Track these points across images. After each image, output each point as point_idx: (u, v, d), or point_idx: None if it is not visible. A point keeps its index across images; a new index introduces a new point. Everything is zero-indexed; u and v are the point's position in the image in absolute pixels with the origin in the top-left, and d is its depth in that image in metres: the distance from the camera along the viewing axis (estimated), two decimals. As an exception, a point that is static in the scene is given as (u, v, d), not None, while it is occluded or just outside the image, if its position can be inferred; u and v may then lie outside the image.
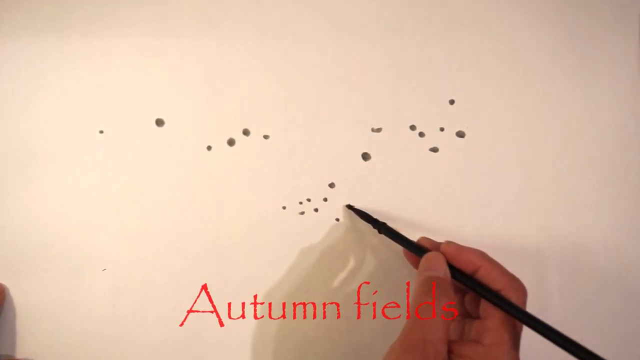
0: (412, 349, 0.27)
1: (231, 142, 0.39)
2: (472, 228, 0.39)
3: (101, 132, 0.39)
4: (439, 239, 0.39)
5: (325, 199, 0.39)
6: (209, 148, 0.39)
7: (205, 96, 0.39)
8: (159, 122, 0.39)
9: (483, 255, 0.30)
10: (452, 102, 0.40)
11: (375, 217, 0.37)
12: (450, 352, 0.29)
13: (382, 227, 0.36)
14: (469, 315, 0.33)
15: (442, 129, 0.40)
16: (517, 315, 0.28)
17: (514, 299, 0.28)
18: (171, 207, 0.39)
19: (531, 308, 0.29)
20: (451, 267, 0.31)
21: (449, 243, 0.32)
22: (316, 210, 0.39)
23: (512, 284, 0.29)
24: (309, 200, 0.39)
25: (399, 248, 0.35)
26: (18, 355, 0.38)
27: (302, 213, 0.39)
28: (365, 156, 0.40)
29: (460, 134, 0.40)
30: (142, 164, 0.39)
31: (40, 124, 0.39)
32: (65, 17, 0.39)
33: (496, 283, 0.29)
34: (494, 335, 0.28)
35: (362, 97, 0.40)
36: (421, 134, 0.40)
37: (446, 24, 0.40)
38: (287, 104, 0.40)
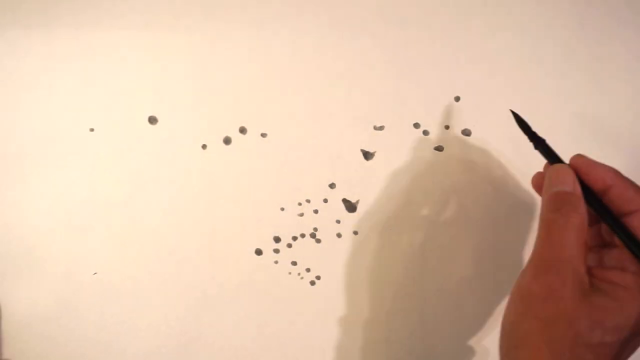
0: (546, 270, 0.26)
1: (227, 141, 0.38)
2: (478, 230, 0.38)
3: (91, 130, 0.38)
4: (444, 240, 0.38)
5: (325, 200, 0.38)
6: (204, 147, 0.38)
7: (200, 92, 0.38)
8: (152, 120, 0.38)
9: (616, 173, 0.28)
10: (457, 98, 0.39)
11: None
12: (592, 276, 0.27)
13: (539, 144, 0.32)
14: (607, 245, 0.30)
15: (447, 127, 0.39)
16: (631, 248, 0.26)
17: None
18: (164, 209, 0.38)
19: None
20: (581, 184, 0.28)
21: (579, 156, 0.29)
22: (316, 211, 0.38)
23: None
24: (308, 201, 0.38)
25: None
26: (5, 362, 0.37)
27: (301, 215, 0.38)
28: (367, 155, 0.39)
29: (467, 132, 0.39)
30: (135, 163, 0.38)
31: (27, 121, 0.38)
32: (52, 9, 0.38)
33: (630, 203, 0.27)
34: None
35: (364, 94, 0.39)
36: (425, 132, 0.39)
37: (452, 16, 0.39)
38: (285, 101, 0.39)
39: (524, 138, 0.38)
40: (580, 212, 0.27)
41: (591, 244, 0.30)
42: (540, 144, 0.31)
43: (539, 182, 0.31)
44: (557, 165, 0.29)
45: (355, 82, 0.39)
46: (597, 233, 0.30)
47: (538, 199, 0.31)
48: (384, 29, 0.39)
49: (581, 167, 0.29)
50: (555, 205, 0.28)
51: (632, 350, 0.27)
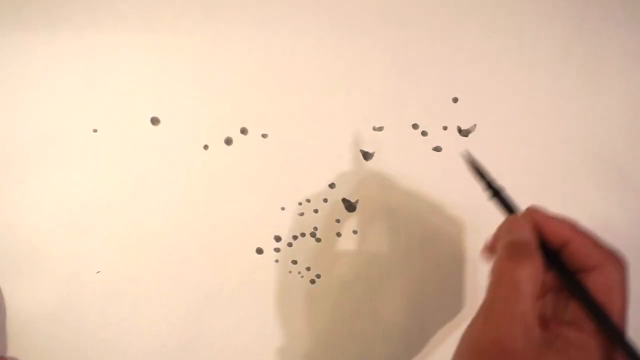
0: (497, 325, 0.25)
1: (228, 141, 0.38)
2: (476, 231, 0.39)
3: (95, 130, 0.38)
4: (442, 240, 0.38)
5: (325, 200, 0.39)
6: (205, 147, 0.38)
7: (201, 93, 0.38)
8: (154, 121, 0.38)
9: (574, 227, 0.26)
10: (455, 100, 0.39)
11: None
12: (549, 330, 0.25)
13: (496, 194, 0.29)
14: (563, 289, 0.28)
15: (445, 128, 0.39)
16: (593, 312, 0.24)
17: (610, 278, 0.25)
18: (167, 209, 0.38)
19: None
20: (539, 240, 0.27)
21: (535, 209, 0.27)
22: (316, 211, 0.39)
23: (608, 260, 0.25)
24: (308, 201, 0.38)
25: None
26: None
27: (302, 214, 0.38)
28: (367, 155, 0.39)
29: (464, 133, 0.39)
30: (137, 163, 0.38)
31: (30, 122, 0.38)
32: (55, 11, 0.38)
33: (589, 259, 0.25)
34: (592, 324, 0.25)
35: (364, 95, 0.39)
36: (424, 133, 0.39)
37: (451, 17, 0.39)
38: (286, 102, 0.39)
39: (522, 138, 0.39)
40: (534, 263, 0.25)
41: (549, 287, 0.28)
42: (496, 194, 0.30)
43: (490, 249, 0.30)
44: (513, 216, 0.29)
45: (355, 84, 0.39)
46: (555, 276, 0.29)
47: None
48: (384, 29, 0.39)
49: (538, 220, 0.27)
50: (508, 254, 0.26)
51: None
